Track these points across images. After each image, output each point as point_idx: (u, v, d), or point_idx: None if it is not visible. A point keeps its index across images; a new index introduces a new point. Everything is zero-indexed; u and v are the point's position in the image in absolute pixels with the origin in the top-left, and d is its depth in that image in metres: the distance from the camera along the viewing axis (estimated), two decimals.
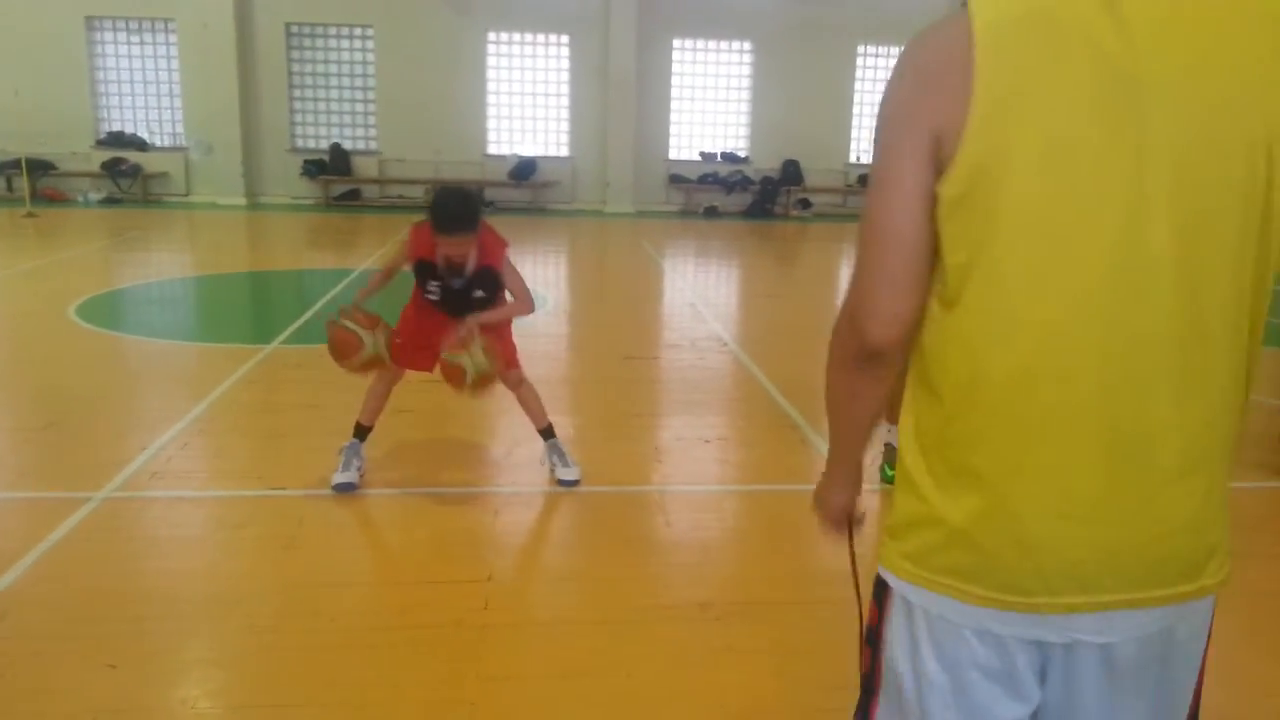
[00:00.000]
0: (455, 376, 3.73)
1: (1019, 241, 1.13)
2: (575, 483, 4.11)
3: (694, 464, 4.56)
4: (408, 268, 3.95)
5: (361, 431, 4.10)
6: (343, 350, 3.84)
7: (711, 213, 17.99)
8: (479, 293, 3.88)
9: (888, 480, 4.24)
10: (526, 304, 3.93)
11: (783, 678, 2.77)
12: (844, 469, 1.51)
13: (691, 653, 2.89)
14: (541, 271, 11.12)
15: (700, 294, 9.92)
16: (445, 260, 3.77)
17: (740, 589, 3.31)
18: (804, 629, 3.05)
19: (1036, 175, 1.11)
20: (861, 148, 18.94)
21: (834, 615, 3.13)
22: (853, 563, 1.60)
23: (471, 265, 3.81)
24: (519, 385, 4.12)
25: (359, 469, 4.06)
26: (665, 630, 3.01)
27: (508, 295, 3.96)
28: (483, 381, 3.75)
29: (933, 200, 1.16)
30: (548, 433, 4.20)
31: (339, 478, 4.00)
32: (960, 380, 1.20)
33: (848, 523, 1.59)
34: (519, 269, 3.99)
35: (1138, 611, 1.20)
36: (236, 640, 2.90)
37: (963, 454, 1.21)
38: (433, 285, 3.86)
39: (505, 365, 4.01)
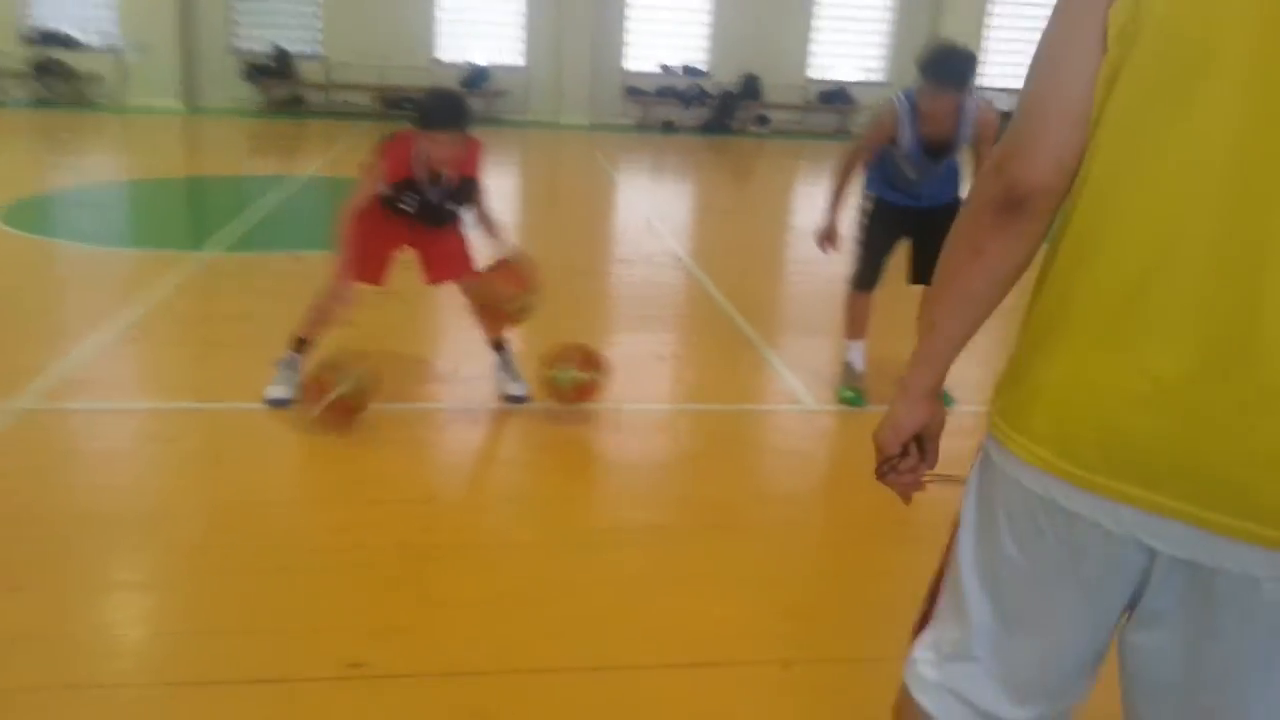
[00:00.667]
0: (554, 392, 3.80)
1: (1150, 72, 1.07)
2: (523, 399, 3.95)
3: (647, 382, 4.42)
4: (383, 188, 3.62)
5: (300, 345, 3.89)
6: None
7: (668, 127, 17.61)
8: (452, 204, 3.66)
9: (845, 402, 4.14)
10: (496, 223, 3.86)
11: (738, 603, 2.67)
12: (932, 372, 1.31)
13: (644, 578, 2.78)
14: (492, 183, 10.76)
15: (655, 210, 9.68)
16: (429, 166, 3.53)
17: (695, 512, 3.20)
18: (760, 553, 2.95)
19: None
20: (821, 64, 18.57)
21: (791, 538, 3.06)
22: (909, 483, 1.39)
23: (458, 173, 3.60)
24: (475, 291, 3.91)
25: (295, 384, 3.86)
26: (616, 554, 2.90)
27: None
28: (585, 392, 3.83)
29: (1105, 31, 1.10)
30: (499, 344, 4.02)
31: (273, 392, 3.80)
32: (1076, 229, 1.15)
33: (907, 450, 1.35)
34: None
35: (1206, 534, 1.07)
36: (159, 562, 2.74)
37: (1058, 310, 1.16)
38: (409, 197, 3.61)
39: (466, 272, 3.85)
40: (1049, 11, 1.17)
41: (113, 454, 3.39)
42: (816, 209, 4.34)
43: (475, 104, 17.25)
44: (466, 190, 3.68)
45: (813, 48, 18.45)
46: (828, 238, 4.15)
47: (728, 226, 9.04)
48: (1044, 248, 1.21)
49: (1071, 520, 1.15)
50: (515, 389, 3.97)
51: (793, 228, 8.95)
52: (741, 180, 13.08)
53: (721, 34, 18.04)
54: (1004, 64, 18.56)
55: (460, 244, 3.89)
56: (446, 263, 3.88)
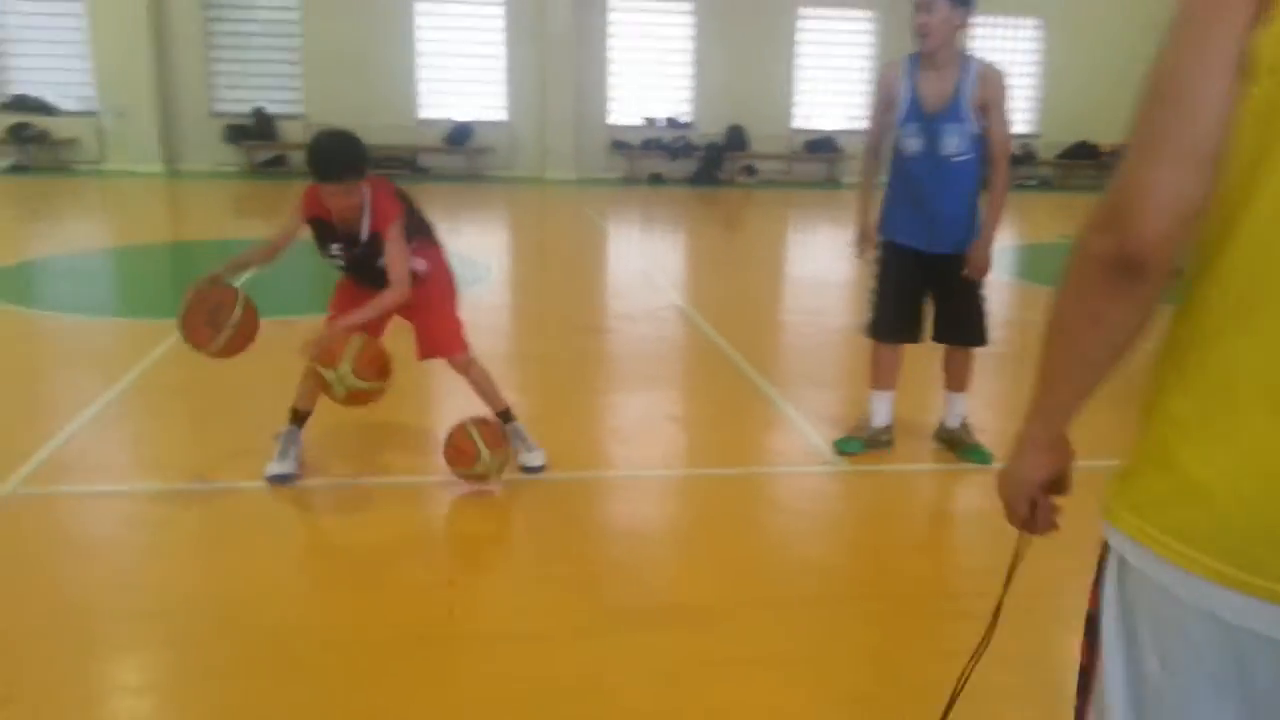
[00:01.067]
0: (325, 391, 3.33)
1: None
2: (541, 468, 3.73)
3: (664, 445, 4.22)
4: (304, 232, 3.50)
5: (299, 417, 3.67)
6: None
7: (656, 180, 17.58)
8: (382, 261, 3.42)
9: (839, 452, 3.94)
10: (397, 290, 3.35)
11: (790, 690, 2.45)
12: (1050, 426, 1.19)
13: (685, 666, 2.55)
14: (481, 240, 10.65)
15: (652, 263, 9.55)
16: (338, 216, 3.35)
17: (731, 587, 2.97)
18: (805, 631, 2.73)
19: None
20: (804, 113, 18.66)
21: (837, 613, 2.84)
22: (1014, 559, 1.28)
23: (365, 229, 3.38)
24: (469, 368, 3.71)
25: (297, 458, 3.64)
26: (651, 638, 2.67)
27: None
28: (357, 398, 3.32)
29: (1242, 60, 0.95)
30: (506, 415, 3.81)
31: (275, 468, 3.58)
32: (1230, 288, 0.97)
33: (1036, 505, 1.24)
34: (440, 241, 3.63)
35: None
36: (157, 662, 2.50)
37: (1218, 386, 0.98)
38: (335, 248, 3.44)
39: (381, 374, 3.37)
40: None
41: (102, 543, 3.16)
42: (813, 258, 4.18)
43: (459, 161, 17.36)
44: (378, 246, 3.41)
45: (796, 97, 18.55)
46: (863, 239, 3.98)
47: (727, 278, 8.85)
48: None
49: (1237, 634, 0.97)
50: (531, 459, 3.76)
51: (791, 277, 8.84)
52: (734, 231, 13.01)
53: (705, 85, 18.11)
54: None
55: (446, 321, 3.69)
56: (431, 340, 3.70)
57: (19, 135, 16.43)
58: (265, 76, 17.39)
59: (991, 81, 3.56)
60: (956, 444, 3.98)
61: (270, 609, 2.74)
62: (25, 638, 2.56)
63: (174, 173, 16.73)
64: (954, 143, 3.59)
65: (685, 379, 5.28)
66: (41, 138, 16.52)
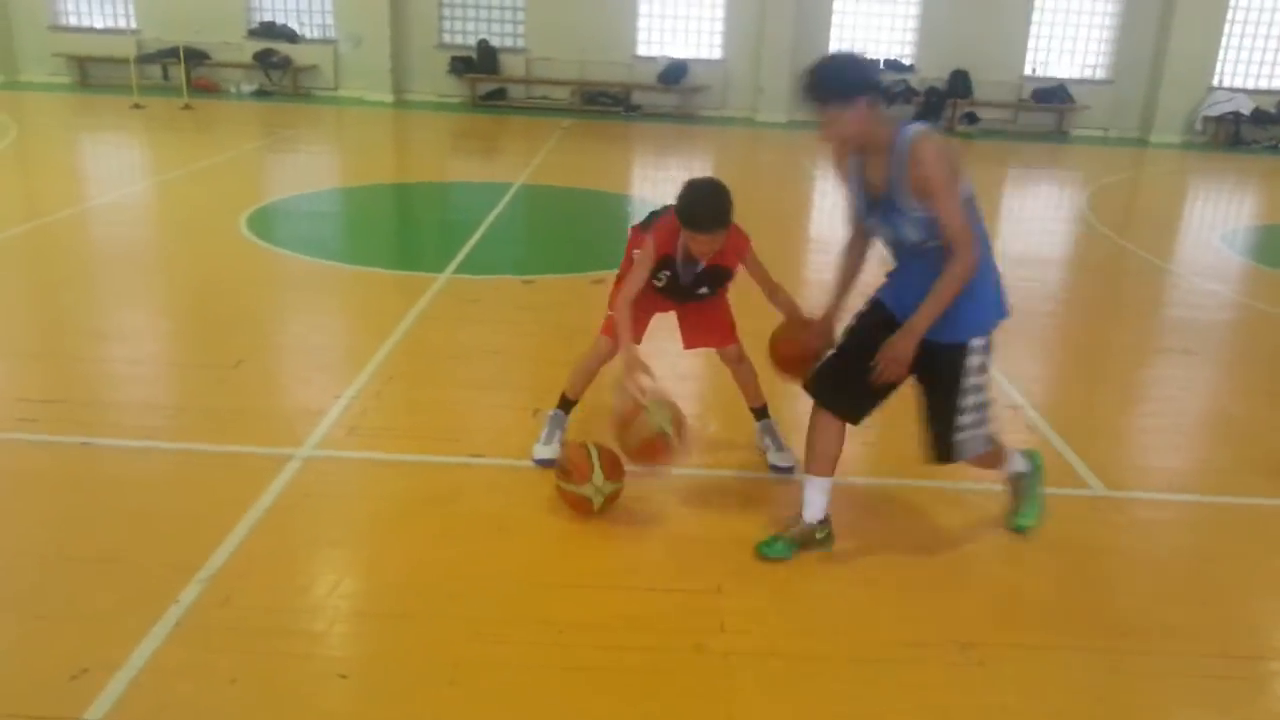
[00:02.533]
0: (584, 508, 3.37)
1: None
2: (790, 469, 3.77)
3: (910, 451, 4.15)
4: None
5: (567, 404, 3.84)
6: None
7: None
8: (703, 289, 3.59)
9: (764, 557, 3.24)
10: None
11: None
12: None
13: (954, 709, 2.56)
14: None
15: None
16: (685, 255, 3.46)
17: (1008, 626, 2.93)
18: (1090, 682, 2.67)
19: None
20: (1038, 59, 17.56)
21: (1127, 665, 2.74)
22: None
23: (706, 261, 3.48)
24: (740, 360, 3.77)
25: (562, 442, 3.81)
26: (919, 675, 2.68)
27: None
28: (612, 501, 3.38)
29: None
30: (761, 412, 3.87)
31: (541, 452, 3.76)
32: None
33: None
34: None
35: None
36: (464, 650, 2.69)
37: None
38: (663, 275, 3.53)
39: (724, 340, 3.73)
40: None
41: (398, 517, 3.39)
42: (1037, 216, 3.90)
43: (671, 100, 17.35)
44: (713, 276, 3.56)
45: (1030, 42, 17.46)
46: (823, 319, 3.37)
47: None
48: None
49: None
50: (781, 459, 3.80)
51: (1028, 256, 8.42)
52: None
53: (930, 27, 17.32)
54: (1242, 64, 17.17)
55: (719, 313, 3.77)
56: (704, 330, 3.79)
57: (264, 61, 17.52)
58: (490, 8, 17.80)
59: (921, 159, 2.77)
60: None
61: (557, 601, 2.90)
62: (344, 615, 2.83)
63: (402, 102, 17.48)
64: (913, 232, 2.92)
65: None
66: (284, 64, 17.55)
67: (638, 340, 3.62)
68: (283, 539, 3.19)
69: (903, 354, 2.96)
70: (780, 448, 3.83)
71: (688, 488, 3.69)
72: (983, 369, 3.06)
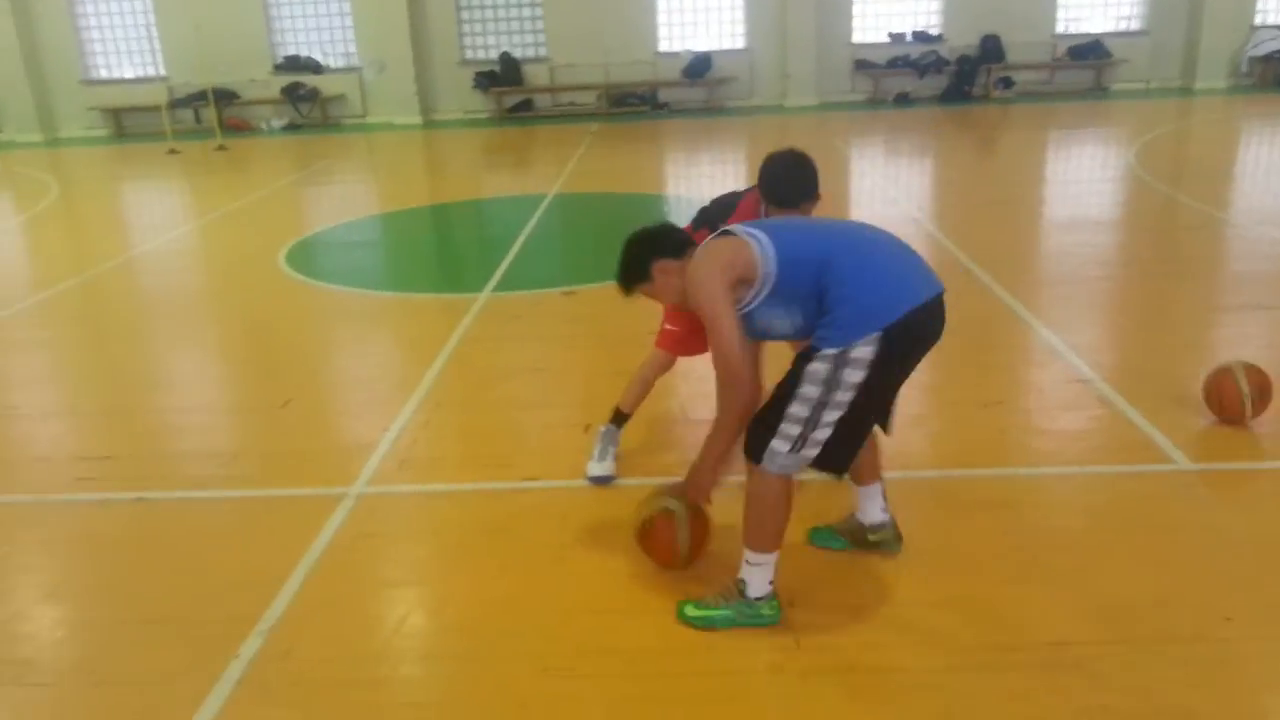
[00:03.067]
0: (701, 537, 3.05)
1: None
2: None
3: (982, 438, 3.99)
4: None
5: (620, 418, 3.73)
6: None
7: (902, 100, 16.77)
8: None
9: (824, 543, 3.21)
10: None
11: None
12: None
13: (1053, 713, 2.40)
14: (721, 176, 10.49)
15: (916, 203, 9.10)
16: None
17: (1099, 621, 2.75)
18: (1199, 676, 2.50)
19: None
20: (1070, 15, 17.12)
21: (1236, 653, 2.56)
22: None
23: None
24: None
25: (615, 457, 3.71)
26: (1010, 681, 2.52)
27: None
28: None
29: None
30: None
31: (596, 469, 3.66)
32: None
33: None
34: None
35: None
36: (533, 687, 2.59)
37: None
38: None
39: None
40: None
41: (454, 549, 3.32)
42: (1083, 180, 3.66)
43: (698, 94, 17.21)
44: None
45: None
46: None
47: (1008, 220, 8.17)
48: None
49: None
50: None
51: (1078, 219, 8.15)
52: (1002, 158, 12.16)
53: None
54: None
55: None
56: None
57: (292, 94, 17.69)
58: (510, 20, 17.79)
59: (689, 288, 2.69)
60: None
61: (622, 629, 2.80)
62: (407, 657, 2.75)
63: (431, 122, 17.54)
64: (780, 326, 2.69)
65: (990, 357, 4.95)
66: (312, 95, 17.70)
67: (699, 350, 3.38)
68: (341, 583, 3.12)
69: (704, 486, 2.88)
70: None
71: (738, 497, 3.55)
72: (829, 384, 2.54)
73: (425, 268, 7.90)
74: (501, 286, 6.50)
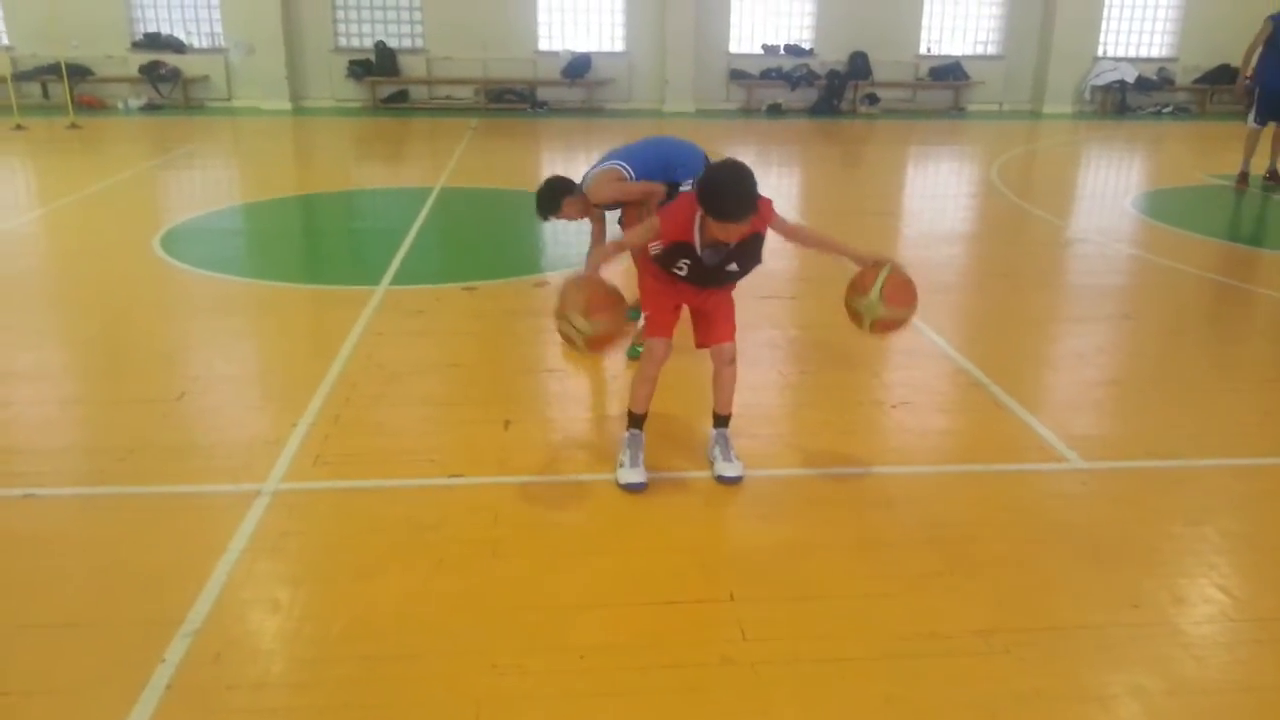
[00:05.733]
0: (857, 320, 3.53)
1: None
2: (738, 479, 3.64)
3: (885, 437, 4.16)
4: (656, 248, 3.46)
5: (637, 421, 3.69)
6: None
7: (775, 110, 17.19)
8: (733, 266, 3.43)
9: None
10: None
11: None
12: None
13: (995, 699, 2.53)
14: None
15: (797, 212, 9.35)
16: (708, 239, 3.31)
17: (1021, 610, 2.91)
18: (1118, 657, 2.68)
19: None
20: (932, 37, 17.93)
21: (1147, 636, 2.74)
22: None
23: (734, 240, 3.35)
24: (729, 363, 3.66)
25: (642, 459, 3.67)
26: (949, 667, 2.64)
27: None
28: (886, 326, 3.52)
29: None
30: (724, 420, 3.74)
31: (628, 476, 3.58)
32: None
33: None
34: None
35: None
36: (483, 684, 2.55)
37: None
38: (683, 264, 3.40)
39: (726, 335, 3.63)
40: None
41: (384, 549, 3.22)
42: (942, 194, 3.93)
43: (577, 94, 17.20)
44: (748, 250, 3.40)
45: (924, 20, 17.82)
46: None
47: (886, 231, 8.50)
48: None
49: None
50: (729, 470, 3.65)
51: (953, 232, 8.56)
52: (872, 171, 12.63)
53: (828, 10, 17.54)
54: (1124, 33, 17.85)
55: (729, 306, 3.65)
56: (718, 323, 3.64)
57: (151, 74, 16.79)
58: (386, 9, 17.38)
59: None
60: None
61: (570, 624, 2.79)
62: (349, 657, 2.66)
63: (300, 109, 16.95)
64: None
65: (884, 359, 5.15)
66: (173, 76, 16.85)
67: (669, 334, 3.59)
68: (267, 583, 3.00)
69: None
70: (729, 458, 3.68)
71: (676, 493, 3.60)
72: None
73: (317, 258, 7.64)
74: (400, 280, 6.35)
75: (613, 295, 3.31)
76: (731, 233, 3.22)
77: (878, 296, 3.39)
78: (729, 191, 3.15)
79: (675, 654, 2.68)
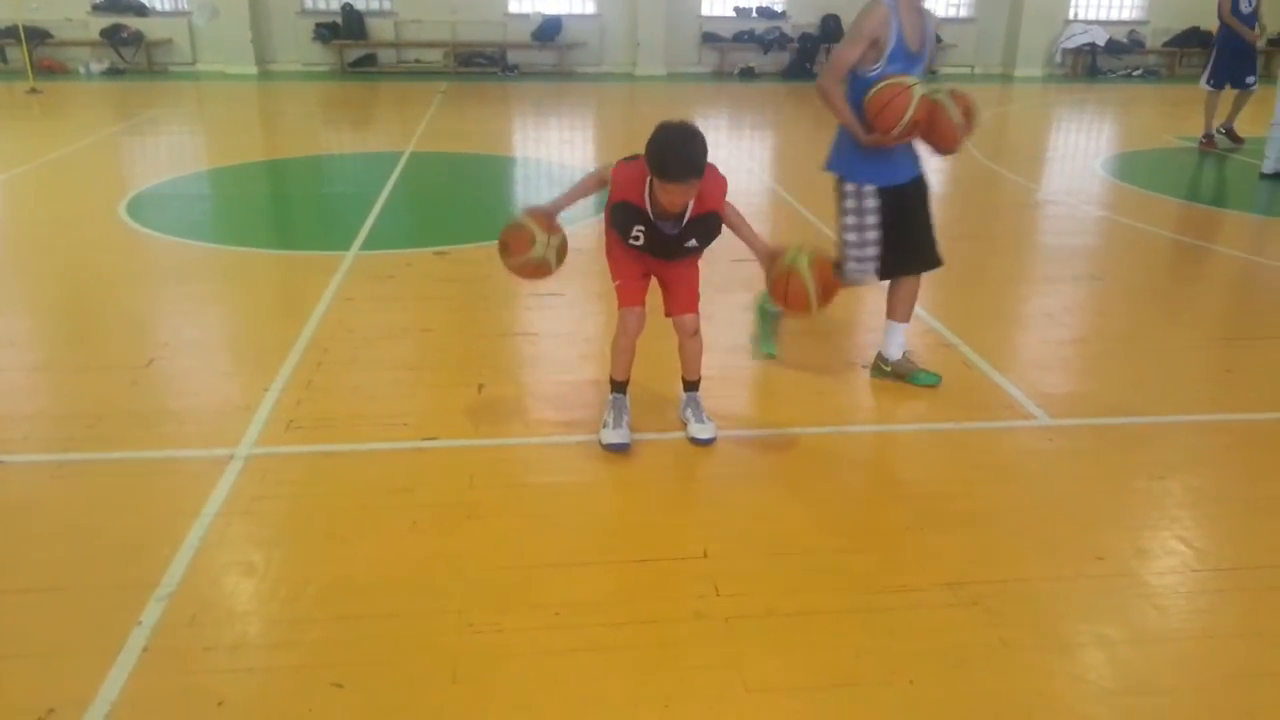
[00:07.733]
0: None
1: None
2: (710, 440, 3.67)
3: (868, 396, 4.20)
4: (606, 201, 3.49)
5: (619, 386, 3.72)
6: (512, 246, 3.45)
7: (747, 74, 17.11)
8: (692, 241, 3.44)
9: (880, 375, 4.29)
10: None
11: (1074, 680, 2.47)
12: None
13: (964, 649, 2.58)
14: (575, 141, 10.50)
15: (774, 174, 9.34)
16: (659, 207, 3.32)
17: (989, 563, 2.97)
18: (1086, 607, 2.74)
19: None
20: None
21: (1113, 588, 2.81)
22: None
23: (689, 211, 3.35)
24: (697, 330, 3.69)
25: (627, 421, 3.70)
26: (921, 620, 2.70)
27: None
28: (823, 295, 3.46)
29: None
30: (694, 385, 3.78)
31: (612, 436, 3.61)
32: None
33: None
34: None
35: None
36: (460, 643, 2.58)
37: None
38: (637, 231, 3.40)
39: (689, 306, 3.65)
40: None
41: (358, 510, 3.23)
42: (942, 169, 3.96)
43: (548, 57, 17.04)
44: (702, 225, 3.43)
45: None
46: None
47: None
48: None
49: None
50: (701, 431, 3.69)
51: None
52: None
53: None
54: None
55: (694, 278, 3.67)
56: (682, 295, 3.65)
57: (113, 37, 16.46)
58: None
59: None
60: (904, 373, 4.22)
61: (546, 583, 2.81)
62: (328, 618, 2.68)
63: (266, 74, 16.68)
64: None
65: (852, 323, 5.19)
66: (135, 39, 16.52)
67: (639, 303, 3.59)
68: (241, 547, 3.00)
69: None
70: (701, 420, 3.72)
71: (650, 454, 3.63)
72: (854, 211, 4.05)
73: (285, 224, 7.56)
74: (370, 245, 6.31)
75: (553, 216, 3.49)
76: (675, 196, 3.22)
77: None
78: (673, 150, 3.15)
79: (649, 610, 2.72)
